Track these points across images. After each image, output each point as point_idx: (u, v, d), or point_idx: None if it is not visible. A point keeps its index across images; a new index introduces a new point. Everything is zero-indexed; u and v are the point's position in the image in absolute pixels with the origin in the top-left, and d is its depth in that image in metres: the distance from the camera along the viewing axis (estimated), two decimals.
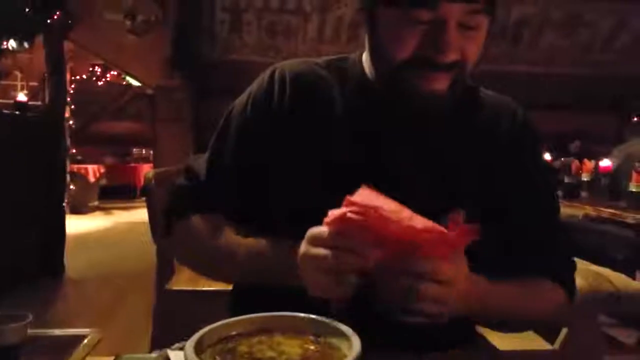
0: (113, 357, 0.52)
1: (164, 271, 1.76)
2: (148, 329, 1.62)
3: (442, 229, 0.54)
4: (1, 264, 2.85)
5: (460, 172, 0.74)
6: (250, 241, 0.72)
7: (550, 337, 1.02)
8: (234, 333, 0.47)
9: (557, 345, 0.98)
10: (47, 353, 0.49)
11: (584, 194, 2.64)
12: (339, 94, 0.75)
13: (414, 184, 0.71)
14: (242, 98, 0.80)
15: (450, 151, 0.75)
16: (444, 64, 0.64)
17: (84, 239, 4.78)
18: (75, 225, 5.09)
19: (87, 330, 0.53)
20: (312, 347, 0.46)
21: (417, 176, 0.73)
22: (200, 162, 0.80)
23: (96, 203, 7.33)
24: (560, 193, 2.67)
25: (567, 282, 0.77)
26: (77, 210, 6.49)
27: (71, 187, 6.17)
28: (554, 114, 4.12)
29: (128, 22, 4.66)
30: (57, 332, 0.53)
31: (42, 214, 3.54)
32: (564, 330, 0.97)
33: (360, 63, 0.78)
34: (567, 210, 2.45)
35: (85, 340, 0.50)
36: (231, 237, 0.74)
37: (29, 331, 0.46)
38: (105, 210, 7.12)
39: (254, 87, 0.79)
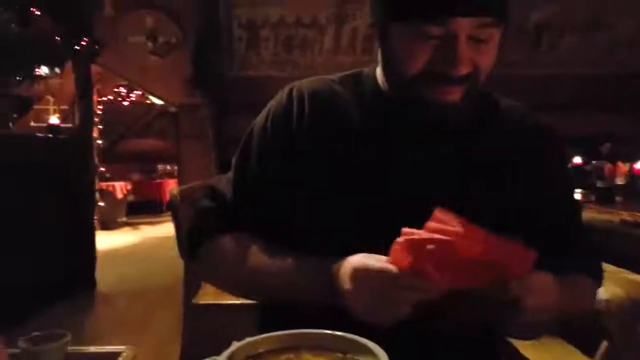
0: None
1: (191, 285, 1.82)
2: (178, 342, 1.68)
3: (520, 245, 0.56)
4: (36, 280, 2.97)
5: (480, 180, 0.74)
6: (279, 261, 0.73)
7: (588, 351, 1.00)
8: (261, 350, 0.50)
9: (597, 359, 0.96)
10: None
11: (618, 198, 2.57)
12: (355, 108, 0.77)
13: (433, 193, 0.71)
14: (262, 117, 0.82)
15: (468, 159, 0.75)
16: (456, 77, 0.65)
17: (113, 255, 4.91)
18: (105, 241, 5.24)
19: (122, 347, 0.57)
20: None
21: (436, 185, 0.73)
22: (224, 183, 0.82)
23: (124, 219, 7.52)
24: (592, 198, 2.61)
25: (598, 276, 0.81)
26: (106, 226, 6.68)
27: (100, 204, 6.36)
28: (580, 116, 4.04)
29: (150, 44, 4.82)
30: (93, 349, 0.57)
31: (74, 231, 3.67)
32: (604, 343, 0.94)
33: (374, 77, 0.79)
34: (603, 216, 2.38)
35: (121, 358, 0.55)
36: (258, 258, 0.75)
37: (68, 349, 0.51)
38: (133, 225, 7.29)
39: (272, 105, 0.82)
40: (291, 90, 0.80)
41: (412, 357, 0.58)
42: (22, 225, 2.96)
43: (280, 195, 0.77)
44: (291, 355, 0.49)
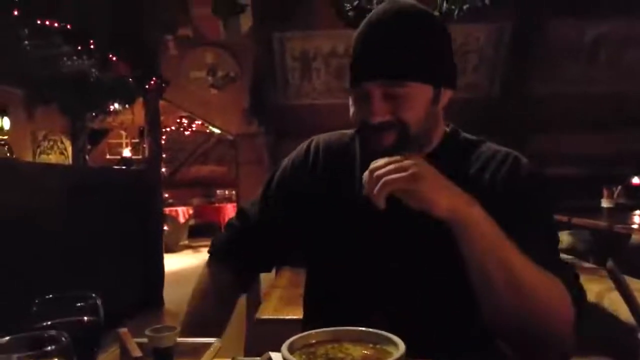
0: (231, 358, 0.72)
1: (253, 301, 1.99)
2: (241, 355, 1.83)
3: None
4: (110, 299, 3.26)
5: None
6: (190, 324, 0.92)
7: None
8: (313, 341, 0.64)
9: None
10: (187, 354, 0.70)
11: None
12: (360, 158, 0.93)
13: (426, 230, 0.78)
14: (286, 161, 1.01)
15: None
16: (376, 124, 0.80)
17: (177, 275, 5.21)
18: (168, 263, 5.57)
19: (212, 339, 0.73)
20: (370, 351, 0.62)
21: (428, 224, 0.77)
22: (252, 207, 1.00)
23: (186, 242, 7.91)
24: (638, 220, 2.55)
25: (573, 292, 0.75)
26: (169, 249, 7.07)
27: (165, 228, 6.78)
28: (638, 134, 3.92)
29: (210, 78, 5.21)
30: (190, 340, 0.74)
31: (144, 253, 4.00)
32: None
33: None
34: None
35: (212, 347, 0.71)
36: (196, 307, 0.95)
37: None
38: (194, 248, 7.64)
39: (294, 153, 1.00)
40: (311, 142, 1.00)
41: (423, 345, 0.67)
42: (98, 248, 3.28)
43: (292, 226, 0.95)
44: (336, 345, 0.63)
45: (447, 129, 0.92)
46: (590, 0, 3.79)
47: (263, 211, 0.98)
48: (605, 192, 2.86)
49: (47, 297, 0.52)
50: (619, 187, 2.90)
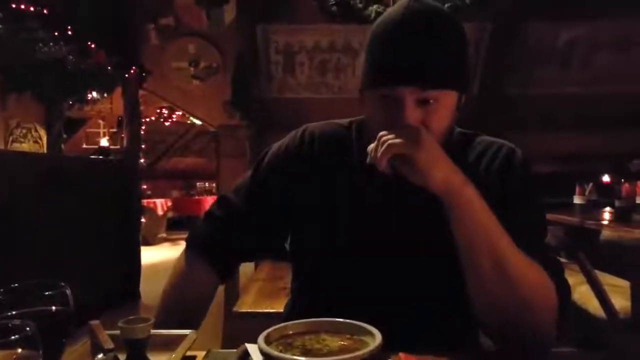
0: (205, 352, 0.71)
1: (231, 295, 1.98)
2: (218, 347, 1.83)
3: None
4: (85, 291, 3.20)
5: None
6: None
7: None
8: (290, 332, 0.64)
9: None
10: (161, 345, 0.69)
11: (638, 216, 2.55)
12: (356, 147, 0.92)
13: (416, 223, 0.83)
14: (277, 146, 0.97)
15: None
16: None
17: (154, 269, 5.15)
18: (146, 255, 5.50)
19: (187, 331, 0.72)
20: (347, 342, 0.62)
21: (418, 217, 0.82)
22: (237, 195, 0.95)
23: (164, 234, 7.82)
24: (608, 216, 2.62)
25: (558, 283, 0.76)
26: (146, 241, 6.97)
27: (142, 220, 6.69)
28: (610, 134, 4.04)
29: (192, 69, 5.14)
30: (164, 332, 0.72)
31: (121, 245, 3.94)
32: None
33: None
34: (625, 234, 2.40)
35: (187, 339, 0.70)
36: (166, 307, 0.93)
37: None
38: (172, 241, 7.57)
39: (287, 140, 0.97)
40: (305, 130, 0.97)
41: (402, 335, 0.68)
42: (73, 239, 3.21)
43: (279, 214, 0.93)
44: (312, 336, 0.63)
45: None
46: (565, 4, 3.88)
47: (250, 198, 0.93)
48: (577, 189, 2.93)
49: (13, 285, 0.50)
50: (591, 184, 2.97)
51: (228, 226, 0.93)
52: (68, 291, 0.54)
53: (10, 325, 0.40)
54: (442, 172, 0.72)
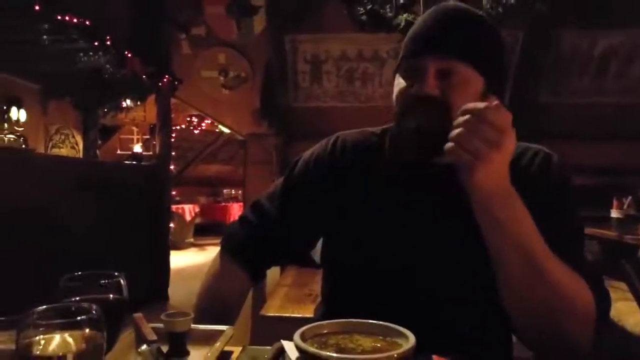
0: (241, 347, 0.74)
1: (258, 299, 2.01)
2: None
3: None
4: None
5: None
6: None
7: None
8: (325, 331, 0.66)
9: None
10: (201, 340, 0.72)
11: None
12: (388, 155, 0.90)
13: (446, 229, 0.83)
14: (308, 154, 0.99)
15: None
16: (421, 96, 0.79)
17: (182, 272, 5.25)
18: (174, 260, 5.61)
19: (225, 327, 0.75)
20: (380, 343, 0.63)
21: (448, 223, 0.83)
22: (270, 202, 0.98)
23: (191, 240, 7.94)
24: None
25: (597, 293, 0.74)
26: (174, 246, 7.10)
27: (171, 225, 6.82)
28: None
29: (222, 78, 5.25)
30: (202, 327, 0.76)
31: (151, 249, 4.03)
32: None
33: None
34: None
35: (225, 334, 0.73)
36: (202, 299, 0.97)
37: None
38: (199, 246, 7.68)
39: (317, 149, 0.99)
40: (337, 138, 0.98)
41: (435, 339, 0.69)
42: (106, 241, 3.31)
43: (310, 222, 0.95)
44: (346, 336, 0.64)
45: None
46: (601, 12, 3.79)
47: (282, 206, 0.96)
48: (615, 203, 2.86)
49: (74, 274, 0.54)
50: (629, 198, 2.89)
51: (261, 232, 0.97)
52: (123, 281, 0.58)
53: (77, 307, 0.43)
54: (495, 188, 0.69)
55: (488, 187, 0.69)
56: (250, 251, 0.97)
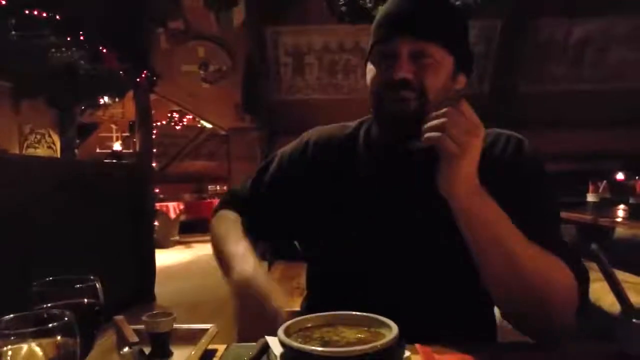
0: (225, 346, 0.73)
1: None
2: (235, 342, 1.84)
3: None
4: (104, 295, 3.25)
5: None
6: (231, 240, 0.90)
7: None
8: (309, 325, 0.65)
9: None
10: (184, 340, 0.71)
11: None
12: (363, 146, 0.94)
13: (423, 217, 0.84)
14: (288, 147, 1.02)
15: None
16: (399, 80, 0.80)
17: (168, 271, 5.20)
18: (159, 258, 5.55)
19: (208, 325, 0.74)
20: (364, 334, 0.63)
21: (425, 211, 0.84)
22: (240, 189, 1.03)
23: (177, 238, 7.86)
24: (622, 214, 2.59)
25: (576, 271, 0.75)
26: (160, 244, 7.02)
27: (155, 223, 6.74)
28: (624, 131, 3.99)
29: (202, 72, 5.18)
30: (186, 326, 0.74)
31: (136, 248, 3.98)
32: None
33: None
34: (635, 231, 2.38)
35: (208, 333, 0.72)
36: (227, 229, 0.94)
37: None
38: (185, 244, 7.61)
39: (295, 143, 1.01)
40: (310, 136, 1.00)
41: (418, 327, 0.68)
42: (88, 243, 3.25)
43: (282, 209, 0.96)
44: (330, 328, 0.64)
45: None
46: (577, 0, 3.84)
47: (253, 198, 0.99)
48: (590, 187, 2.92)
49: (46, 279, 0.52)
50: (604, 182, 2.95)
51: (251, 205, 0.99)
52: (98, 284, 0.56)
53: (49, 314, 0.42)
54: (463, 188, 0.72)
55: (465, 185, 0.71)
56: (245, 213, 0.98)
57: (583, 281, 0.76)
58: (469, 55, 0.90)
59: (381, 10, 0.87)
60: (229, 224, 0.96)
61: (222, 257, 0.89)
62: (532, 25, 4.12)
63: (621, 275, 2.15)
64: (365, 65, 0.89)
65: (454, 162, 0.70)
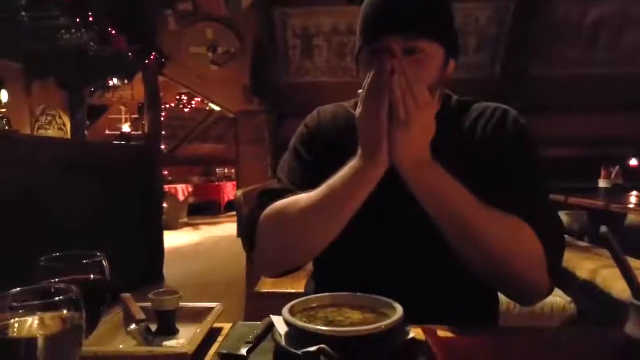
0: (231, 324, 0.74)
1: (252, 277, 2.02)
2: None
3: None
4: (112, 274, 3.30)
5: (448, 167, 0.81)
6: (322, 186, 0.83)
7: None
8: (314, 305, 0.66)
9: None
10: (190, 318, 0.71)
11: None
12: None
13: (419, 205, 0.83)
14: (301, 127, 1.03)
15: (442, 154, 0.80)
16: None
17: (177, 253, 5.27)
18: (168, 240, 5.62)
19: (214, 304, 0.75)
20: (369, 315, 0.63)
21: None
22: (271, 183, 0.99)
23: (185, 220, 7.94)
24: (634, 200, 2.55)
25: (544, 233, 0.77)
26: (168, 227, 7.09)
27: (164, 205, 6.80)
28: (638, 116, 3.91)
29: (210, 54, 5.15)
30: (192, 305, 0.75)
31: (145, 229, 4.02)
32: None
33: None
34: None
35: (214, 311, 0.72)
36: (307, 195, 0.87)
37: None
38: (194, 226, 7.69)
39: (308, 119, 1.03)
40: (319, 112, 1.03)
41: (422, 308, 0.69)
42: (98, 224, 3.30)
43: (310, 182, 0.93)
44: (335, 309, 0.65)
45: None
46: None
47: (303, 177, 0.94)
48: (603, 173, 2.87)
49: (53, 255, 0.53)
50: (617, 168, 2.90)
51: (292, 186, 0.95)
52: (104, 260, 0.57)
53: (55, 288, 0.43)
54: (412, 159, 0.74)
55: (415, 156, 0.74)
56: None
57: (552, 243, 0.78)
58: (457, 38, 0.89)
59: (366, 6, 0.86)
60: (292, 201, 0.85)
61: (337, 195, 0.80)
62: (545, 6, 4.02)
63: (633, 263, 2.13)
64: (357, 63, 0.89)
65: (403, 131, 0.72)
